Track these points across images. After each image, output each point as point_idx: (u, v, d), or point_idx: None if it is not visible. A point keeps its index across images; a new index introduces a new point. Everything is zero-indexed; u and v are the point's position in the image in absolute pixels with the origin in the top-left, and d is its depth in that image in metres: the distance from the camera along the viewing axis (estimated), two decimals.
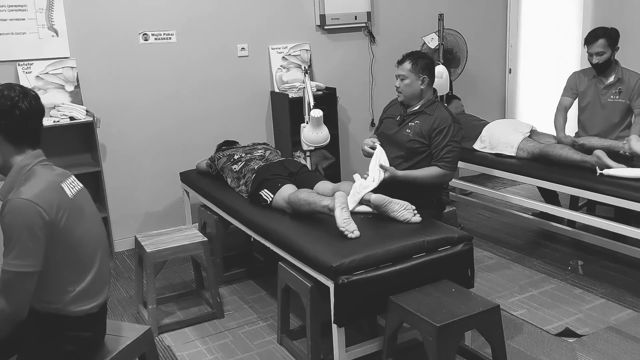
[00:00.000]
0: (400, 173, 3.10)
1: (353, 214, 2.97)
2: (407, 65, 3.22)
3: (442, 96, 4.25)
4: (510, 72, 5.94)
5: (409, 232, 2.78)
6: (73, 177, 2.18)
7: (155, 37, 4.32)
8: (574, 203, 4.34)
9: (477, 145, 4.41)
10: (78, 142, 4.10)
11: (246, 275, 3.88)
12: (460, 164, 4.47)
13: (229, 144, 4.11)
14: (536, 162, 3.99)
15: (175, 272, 4.04)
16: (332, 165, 4.79)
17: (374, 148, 3.23)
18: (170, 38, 4.37)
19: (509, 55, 5.89)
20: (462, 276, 2.76)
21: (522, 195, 5.04)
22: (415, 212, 2.92)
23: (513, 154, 4.14)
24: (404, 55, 3.29)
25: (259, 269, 3.92)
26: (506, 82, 5.98)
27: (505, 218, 4.67)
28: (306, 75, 3.94)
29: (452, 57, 5.10)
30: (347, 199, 2.98)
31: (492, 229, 4.60)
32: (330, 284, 2.52)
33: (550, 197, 4.34)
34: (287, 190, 3.19)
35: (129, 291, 3.76)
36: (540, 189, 4.25)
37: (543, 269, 3.83)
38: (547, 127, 4.55)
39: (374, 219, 2.96)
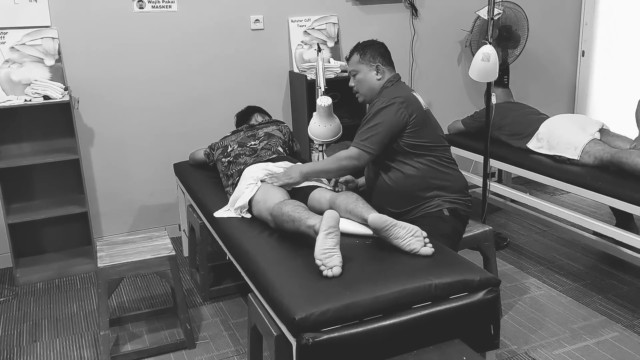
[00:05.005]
0: (304, 168, 2.70)
1: (348, 236, 2.30)
2: (355, 57, 2.74)
3: (489, 83, 3.44)
4: (583, 56, 4.99)
5: (413, 270, 2.07)
6: None
7: (153, 4, 3.72)
8: None
9: (532, 145, 3.59)
10: (59, 125, 3.59)
11: (237, 290, 3.28)
12: (509, 168, 3.68)
13: (248, 113, 3.50)
14: (604, 172, 3.15)
15: (160, 279, 3.49)
16: None
17: None
18: (170, 6, 3.76)
19: (583, 34, 4.93)
20: (481, 335, 2.04)
21: (586, 207, 4.20)
22: (427, 240, 2.20)
23: (576, 158, 3.32)
24: (350, 49, 2.79)
25: None
26: (578, 68, 5.03)
27: (563, 234, 3.83)
28: (319, 53, 3.23)
29: (509, 36, 4.24)
30: (342, 221, 2.31)
31: (546, 248, 3.77)
32: (292, 341, 1.86)
33: (623, 215, 3.47)
34: (273, 199, 2.54)
35: None
36: None
37: (604, 308, 3.01)
38: (626, 126, 3.65)
39: (371, 247, 2.26)
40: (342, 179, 2.85)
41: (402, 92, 2.63)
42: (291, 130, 3.39)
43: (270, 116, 3.55)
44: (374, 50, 2.71)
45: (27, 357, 2.76)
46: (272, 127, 3.27)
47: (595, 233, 3.47)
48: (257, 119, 3.46)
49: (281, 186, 2.66)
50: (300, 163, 2.89)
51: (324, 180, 2.82)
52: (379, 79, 2.70)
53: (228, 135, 3.31)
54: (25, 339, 2.92)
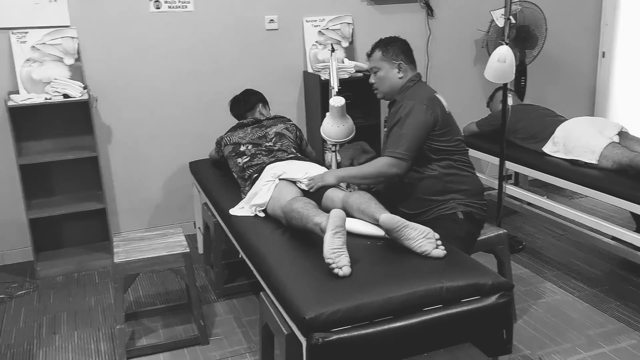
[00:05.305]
0: (340, 172, 2.67)
1: (359, 237, 2.31)
2: (377, 54, 2.70)
3: (504, 84, 3.40)
4: (603, 57, 4.92)
5: (424, 272, 2.07)
6: None
7: (169, 5, 3.75)
8: None
9: (547, 148, 3.55)
10: (78, 123, 3.64)
11: (250, 288, 3.30)
12: (525, 171, 3.65)
13: (249, 101, 3.49)
14: (623, 176, 3.11)
15: (176, 276, 3.52)
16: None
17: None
18: (186, 6, 3.79)
19: (604, 35, 4.87)
20: (493, 339, 2.03)
21: (604, 211, 4.15)
22: (439, 242, 2.20)
23: (594, 162, 3.27)
24: (372, 45, 2.76)
25: None
26: (598, 69, 4.97)
27: (581, 238, 3.78)
28: (332, 53, 3.23)
29: (527, 36, 4.20)
30: (353, 221, 2.32)
31: (563, 252, 3.73)
32: (302, 341, 1.88)
33: None
34: (287, 196, 2.56)
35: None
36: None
37: (622, 315, 2.97)
38: None
39: (382, 248, 2.26)
40: None
41: (425, 93, 2.61)
42: (299, 128, 3.39)
43: (268, 104, 3.56)
44: (396, 48, 2.68)
45: (46, 349, 2.82)
46: (281, 126, 3.28)
47: (613, 238, 3.42)
48: (261, 111, 3.47)
49: (315, 189, 2.64)
50: (335, 168, 2.88)
51: None
52: (400, 78, 2.67)
53: (235, 130, 3.31)
54: (44, 331, 2.98)
